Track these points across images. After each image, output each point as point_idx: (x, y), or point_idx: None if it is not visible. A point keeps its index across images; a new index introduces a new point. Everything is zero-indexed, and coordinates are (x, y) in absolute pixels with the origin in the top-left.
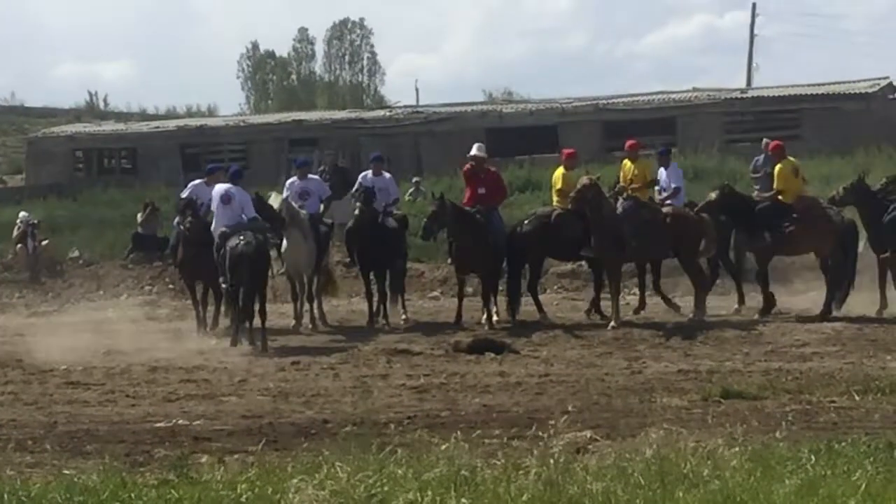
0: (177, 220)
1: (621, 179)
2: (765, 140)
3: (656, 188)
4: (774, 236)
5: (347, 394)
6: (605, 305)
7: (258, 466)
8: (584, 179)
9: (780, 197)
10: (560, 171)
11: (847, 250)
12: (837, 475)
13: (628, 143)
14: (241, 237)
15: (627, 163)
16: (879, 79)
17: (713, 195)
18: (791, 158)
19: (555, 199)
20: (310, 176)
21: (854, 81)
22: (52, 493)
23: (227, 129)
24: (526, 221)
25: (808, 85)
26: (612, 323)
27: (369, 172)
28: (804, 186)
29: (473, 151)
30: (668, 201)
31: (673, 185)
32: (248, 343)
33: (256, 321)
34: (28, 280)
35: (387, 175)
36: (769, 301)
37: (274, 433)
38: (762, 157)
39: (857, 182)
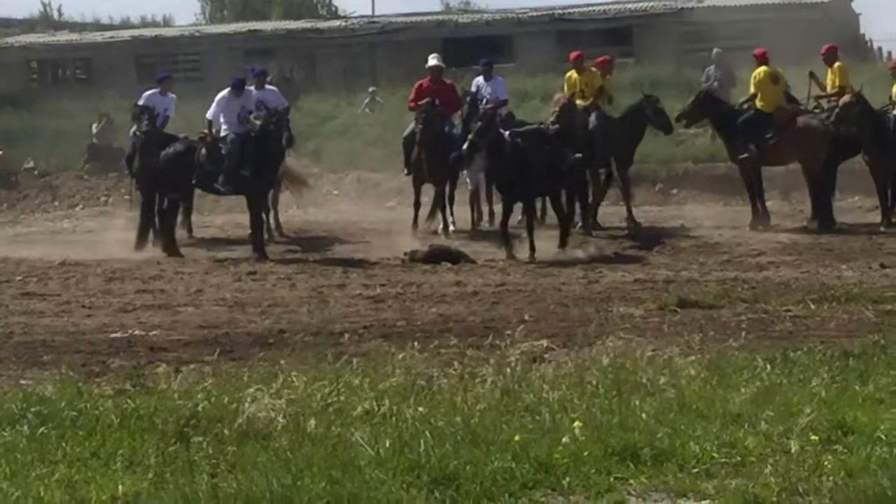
0: (133, 129)
1: (566, 90)
2: (715, 50)
3: (483, 100)
4: (759, 147)
5: (304, 304)
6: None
7: (214, 376)
8: (561, 98)
9: (758, 104)
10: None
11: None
12: (793, 383)
13: (573, 55)
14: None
15: (573, 74)
16: None
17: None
18: (770, 67)
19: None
20: (267, 87)
21: None
22: (9, 403)
23: (183, 40)
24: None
25: None
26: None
27: (481, 77)
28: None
29: (432, 62)
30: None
31: (500, 98)
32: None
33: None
34: None
35: (499, 78)
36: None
37: (230, 343)
38: (712, 66)
39: (861, 98)
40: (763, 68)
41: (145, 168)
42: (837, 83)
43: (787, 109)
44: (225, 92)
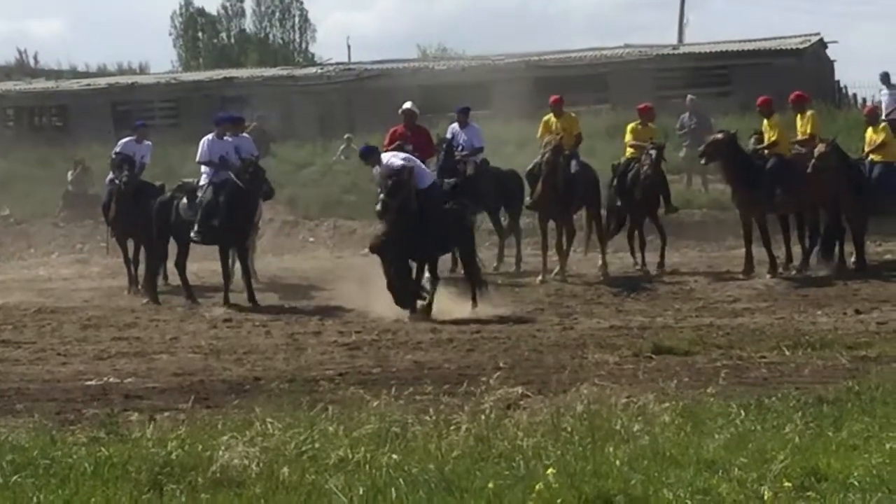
0: (109, 177)
1: (542, 133)
2: (689, 97)
3: (458, 147)
4: (788, 192)
5: (279, 351)
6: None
7: (189, 424)
8: (552, 140)
9: (777, 150)
10: (631, 125)
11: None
12: (767, 430)
13: (553, 98)
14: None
15: (551, 118)
16: (810, 35)
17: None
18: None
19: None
20: (242, 134)
21: (785, 37)
22: None
23: (159, 87)
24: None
25: (740, 41)
26: (540, 277)
27: (456, 124)
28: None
29: (406, 106)
30: (471, 158)
31: (475, 145)
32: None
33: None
34: None
35: (474, 125)
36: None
37: (205, 390)
38: (687, 114)
39: (835, 146)
40: (777, 116)
41: (122, 215)
42: (809, 131)
43: (804, 155)
44: (210, 135)
